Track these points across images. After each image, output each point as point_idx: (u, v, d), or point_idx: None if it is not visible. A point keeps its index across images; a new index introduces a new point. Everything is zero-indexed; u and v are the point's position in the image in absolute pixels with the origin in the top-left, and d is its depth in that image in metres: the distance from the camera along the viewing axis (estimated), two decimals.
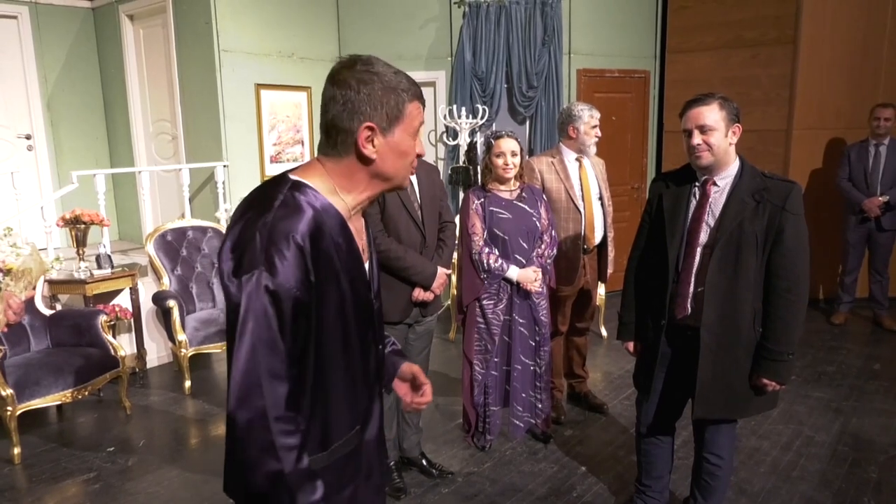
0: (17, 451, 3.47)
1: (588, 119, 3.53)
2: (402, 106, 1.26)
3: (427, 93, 6.11)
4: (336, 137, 1.26)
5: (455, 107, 5.74)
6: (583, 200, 3.55)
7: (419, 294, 2.84)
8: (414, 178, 2.91)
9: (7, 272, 1.85)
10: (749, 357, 2.27)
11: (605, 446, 3.49)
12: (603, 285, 4.18)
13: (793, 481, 3.10)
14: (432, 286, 2.85)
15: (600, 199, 3.66)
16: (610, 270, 3.77)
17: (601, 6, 6.00)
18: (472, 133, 5.71)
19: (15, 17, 5.78)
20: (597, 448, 3.49)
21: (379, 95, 1.25)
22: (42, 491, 3.21)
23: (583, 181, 3.58)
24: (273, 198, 1.22)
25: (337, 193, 1.28)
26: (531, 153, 5.76)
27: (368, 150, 1.25)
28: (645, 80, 6.35)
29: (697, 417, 2.35)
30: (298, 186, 1.25)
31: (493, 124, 5.87)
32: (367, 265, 1.37)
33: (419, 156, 1.34)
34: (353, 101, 1.23)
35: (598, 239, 3.66)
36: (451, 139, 5.90)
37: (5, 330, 1.79)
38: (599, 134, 3.60)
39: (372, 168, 1.28)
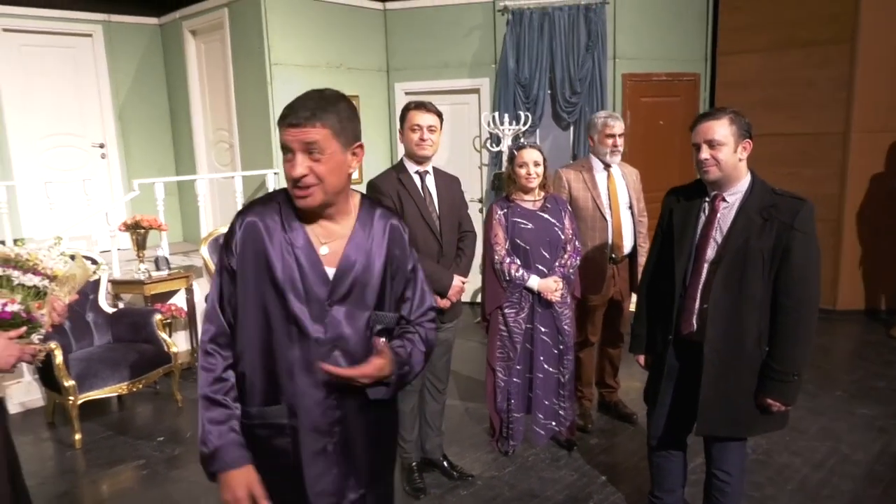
0: (77, 437, 3.79)
1: (601, 128, 3.52)
2: (280, 132, 1.52)
3: (471, 100, 6.22)
4: None
5: (498, 113, 5.81)
6: (610, 209, 3.56)
7: (436, 301, 2.94)
8: (433, 189, 3.01)
9: (53, 278, 2.05)
10: (754, 376, 2.26)
11: (630, 457, 3.50)
12: (635, 295, 4.16)
13: (821, 500, 3.03)
14: (448, 294, 2.94)
15: (630, 208, 3.66)
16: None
17: (648, 9, 5.93)
18: (515, 139, 5.77)
19: (90, 35, 6.24)
20: (620, 458, 3.50)
21: None
22: (97, 474, 3.50)
23: (611, 190, 3.58)
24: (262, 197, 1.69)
25: None
26: (574, 159, 5.76)
27: None
28: (694, 82, 6.23)
29: (699, 434, 2.35)
30: (283, 191, 1.61)
31: (537, 130, 5.92)
32: (330, 269, 1.57)
33: (289, 177, 1.51)
34: None
35: (627, 248, 3.66)
36: (494, 145, 5.97)
37: (50, 330, 2.00)
38: (618, 144, 3.52)
39: None
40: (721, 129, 2.23)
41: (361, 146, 1.58)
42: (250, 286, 1.56)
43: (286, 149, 1.49)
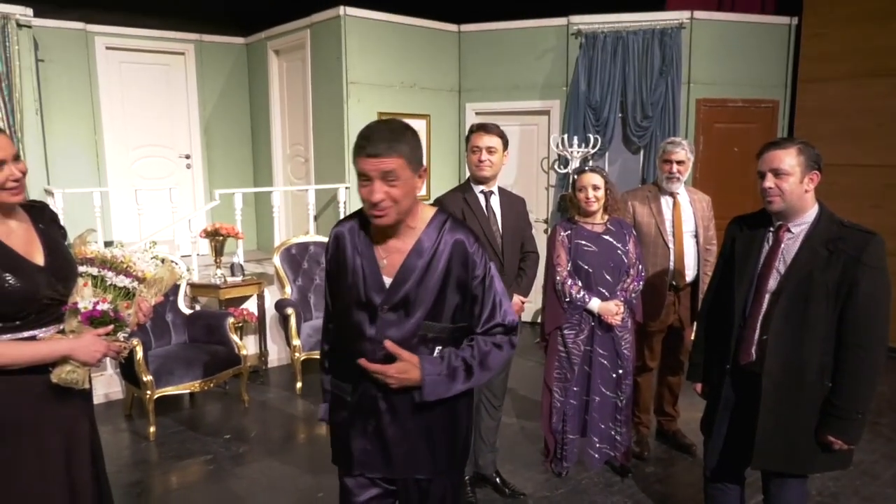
0: (152, 429, 4.03)
1: (661, 153, 3.51)
2: (355, 160, 1.69)
3: (541, 121, 6.26)
4: None
5: (567, 135, 5.84)
6: (673, 236, 3.53)
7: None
8: (497, 209, 3.08)
9: (143, 280, 2.21)
10: (815, 411, 2.20)
11: (686, 488, 3.43)
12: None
13: None
14: None
15: (695, 236, 3.61)
16: None
17: (726, 34, 5.85)
18: (583, 161, 5.77)
19: (183, 54, 6.68)
20: (676, 489, 3.43)
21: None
22: (168, 466, 3.71)
23: (675, 217, 3.56)
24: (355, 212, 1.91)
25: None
26: (643, 184, 5.71)
27: None
28: (773, 109, 6.07)
29: (755, 467, 2.30)
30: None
31: (606, 154, 5.91)
32: (387, 278, 1.77)
33: (367, 201, 1.69)
34: None
35: (690, 276, 3.61)
36: (561, 167, 5.99)
37: (135, 329, 2.15)
38: (673, 171, 3.49)
39: None
40: (788, 158, 2.20)
41: (426, 170, 1.78)
42: (336, 287, 1.88)
43: (364, 176, 1.66)
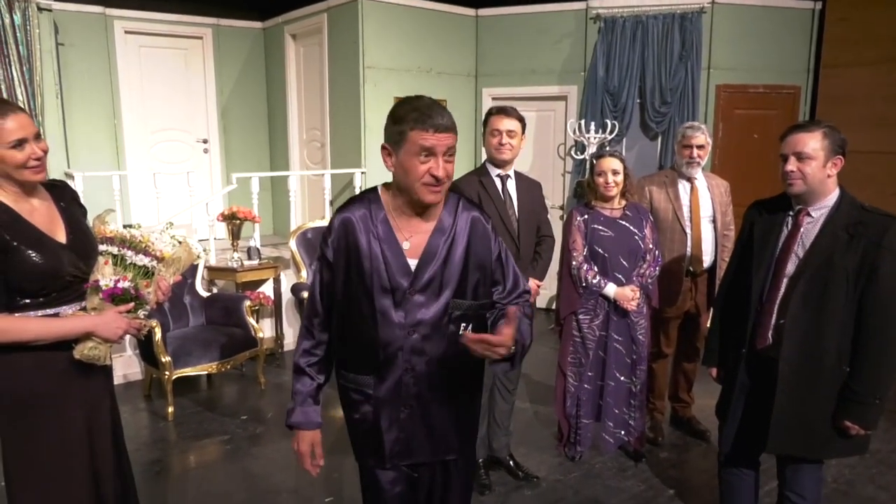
0: (170, 409, 4.09)
1: (680, 138, 3.48)
2: (404, 133, 1.61)
3: (558, 107, 6.22)
4: None
5: (584, 121, 5.79)
6: (690, 222, 3.50)
7: None
8: (513, 193, 3.07)
9: (161, 259, 2.24)
10: (832, 396, 2.18)
11: (700, 474, 3.42)
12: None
13: None
14: None
15: (713, 221, 3.58)
16: None
17: (747, 20, 5.75)
18: (601, 147, 5.73)
19: (201, 38, 6.69)
20: (690, 474, 3.43)
21: (390, 125, 1.66)
22: (186, 445, 3.77)
23: (693, 202, 3.53)
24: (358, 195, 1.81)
25: (389, 195, 1.76)
26: (660, 169, 5.66)
27: (388, 165, 1.69)
28: (794, 95, 5.98)
29: (769, 451, 2.29)
30: (374, 189, 1.80)
31: (623, 139, 5.86)
32: (413, 261, 1.72)
33: (434, 176, 1.61)
34: (385, 128, 1.69)
35: (707, 262, 3.59)
36: (578, 153, 5.96)
37: (154, 307, 2.18)
38: (694, 155, 3.46)
39: (395, 179, 1.71)
40: (812, 142, 2.17)
41: None
42: (343, 275, 1.75)
43: (428, 151, 1.59)
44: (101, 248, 2.09)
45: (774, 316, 2.26)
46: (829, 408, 2.20)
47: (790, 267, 2.24)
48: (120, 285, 2.04)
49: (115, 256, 2.11)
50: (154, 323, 3.97)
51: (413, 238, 1.73)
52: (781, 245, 2.28)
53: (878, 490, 3.26)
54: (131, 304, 2.04)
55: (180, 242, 2.34)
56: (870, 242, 2.10)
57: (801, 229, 2.24)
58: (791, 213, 2.30)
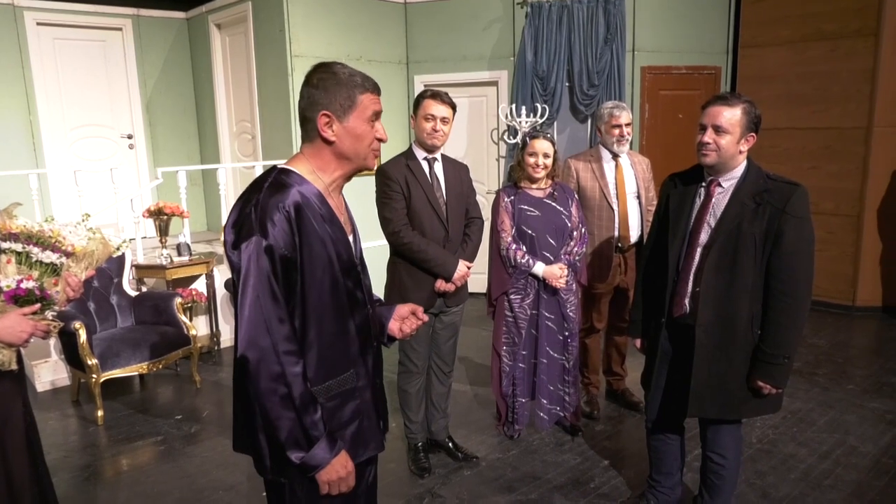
0: (100, 413, 3.95)
1: (608, 118, 3.56)
2: (354, 97, 1.53)
3: (489, 92, 6.26)
4: (306, 126, 1.57)
5: (515, 106, 5.85)
6: (617, 199, 3.59)
7: (441, 285, 3.01)
8: (441, 175, 3.08)
9: (71, 255, 2.14)
10: (746, 359, 2.29)
11: (634, 443, 3.53)
12: None
13: (823, 489, 3.03)
14: (453, 278, 3.01)
15: (638, 197, 3.68)
16: None
17: (668, 2, 5.91)
18: (534, 129, 5.78)
19: (120, 29, 6.43)
20: (624, 444, 3.53)
21: (334, 90, 1.52)
22: (117, 449, 3.65)
23: (618, 180, 3.61)
24: (263, 182, 1.54)
25: (315, 174, 1.57)
26: None
27: (328, 134, 1.54)
28: (715, 76, 6.18)
29: (690, 415, 2.38)
30: (284, 172, 1.56)
31: (554, 123, 5.94)
32: (350, 237, 1.63)
33: (380, 140, 1.59)
34: (314, 95, 1.53)
35: (634, 237, 3.68)
36: (511, 137, 6.01)
37: (65, 306, 2.09)
38: (624, 133, 3.56)
39: (334, 149, 1.56)
40: (731, 116, 2.22)
41: None
42: (308, 269, 1.51)
43: (377, 115, 1.58)
44: (4, 245, 1.99)
45: (690, 284, 2.34)
46: (743, 370, 2.30)
47: (703, 236, 2.32)
48: (23, 286, 1.95)
49: (18, 254, 2.02)
50: (77, 325, 3.82)
51: (342, 214, 1.63)
52: (695, 215, 2.37)
53: (799, 446, 3.43)
54: (37, 306, 1.95)
55: (94, 235, 2.25)
56: (775, 209, 2.19)
57: (713, 200, 2.33)
58: (703, 184, 2.38)
